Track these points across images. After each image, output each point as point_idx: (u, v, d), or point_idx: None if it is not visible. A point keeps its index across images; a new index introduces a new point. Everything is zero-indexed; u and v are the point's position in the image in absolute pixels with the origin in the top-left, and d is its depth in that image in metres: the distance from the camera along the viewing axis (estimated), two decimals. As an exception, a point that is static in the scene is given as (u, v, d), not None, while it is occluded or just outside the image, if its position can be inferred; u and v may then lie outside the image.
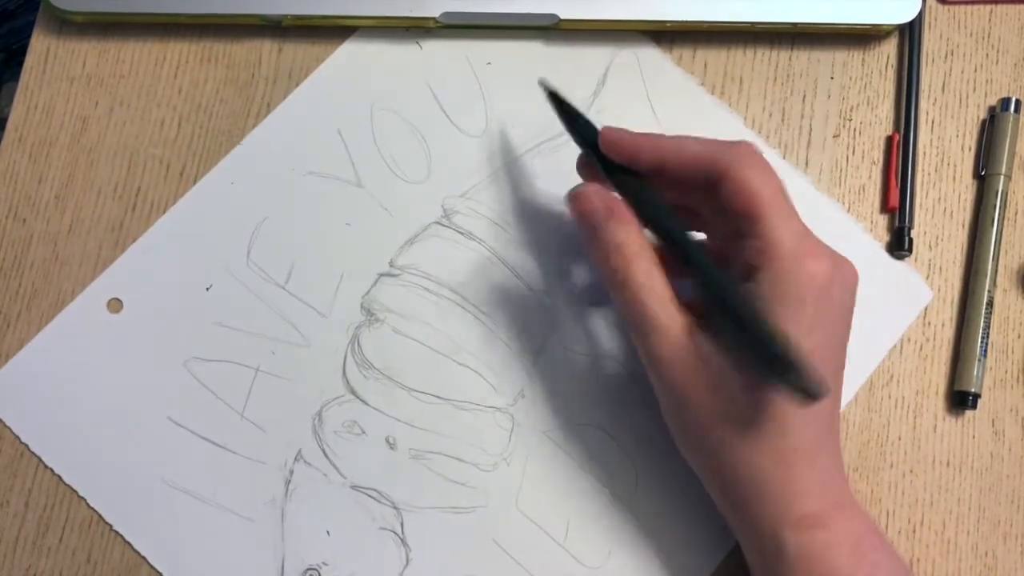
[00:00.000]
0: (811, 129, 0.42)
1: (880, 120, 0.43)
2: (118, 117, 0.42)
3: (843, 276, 0.33)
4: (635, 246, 0.34)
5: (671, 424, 0.35)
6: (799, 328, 0.31)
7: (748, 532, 0.34)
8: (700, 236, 0.37)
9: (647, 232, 0.35)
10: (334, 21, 0.42)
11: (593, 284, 0.41)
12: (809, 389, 0.28)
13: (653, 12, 0.41)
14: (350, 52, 0.43)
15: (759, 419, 0.32)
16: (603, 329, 0.40)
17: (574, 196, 0.36)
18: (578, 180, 0.41)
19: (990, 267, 0.40)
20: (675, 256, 0.34)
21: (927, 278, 0.41)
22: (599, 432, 0.39)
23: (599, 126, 0.36)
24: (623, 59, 0.43)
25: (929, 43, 0.43)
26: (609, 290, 0.35)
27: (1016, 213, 0.42)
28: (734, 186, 0.32)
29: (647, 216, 0.34)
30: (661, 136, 0.35)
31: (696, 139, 0.34)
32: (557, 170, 0.41)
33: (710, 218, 0.36)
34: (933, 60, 0.43)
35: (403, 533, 0.38)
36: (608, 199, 0.35)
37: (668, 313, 0.33)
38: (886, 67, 0.43)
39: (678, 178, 0.34)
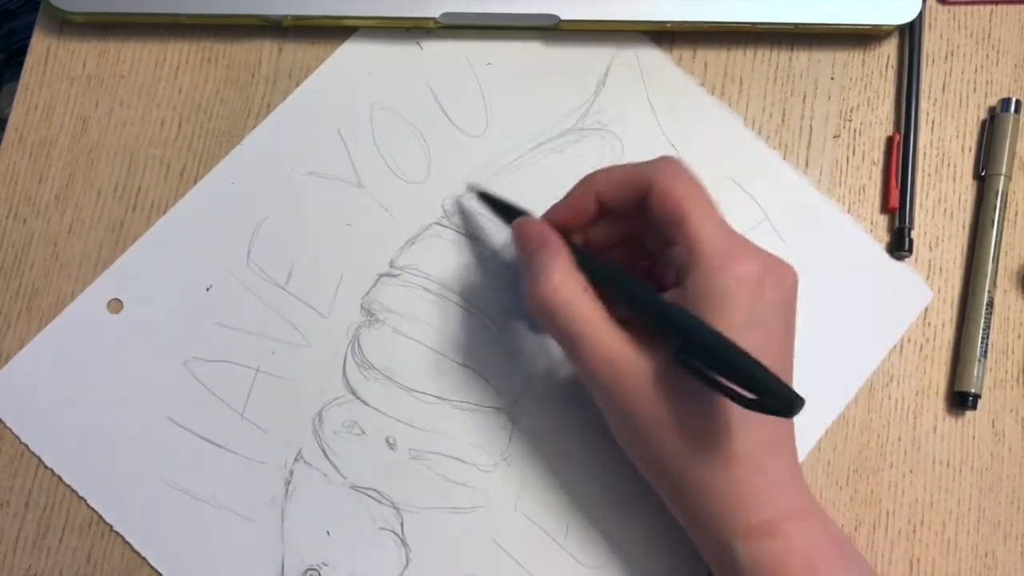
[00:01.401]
0: (811, 130, 0.42)
1: (880, 120, 0.43)
2: (118, 117, 0.42)
3: (778, 276, 0.33)
4: (562, 273, 0.34)
5: (621, 442, 0.35)
6: (732, 328, 0.31)
7: (702, 542, 0.34)
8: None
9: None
10: (334, 21, 0.42)
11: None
12: (782, 405, 0.28)
13: (653, 12, 0.41)
14: (350, 52, 0.43)
15: (701, 428, 0.32)
16: (603, 329, 0.40)
17: (514, 227, 0.37)
18: (574, 180, 0.40)
19: (990, 267, 0.40)
20: (622, 299, 0.34)
21: (927, 279, 0.41)
22: (599, 432, 0.39)
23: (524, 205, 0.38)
24: (623, 59, 0.43)
25: (929, 43, 0.43)
26: (540, 320, 0.35)
27: (1016, 213, 0.42)
28: (659, 193, 0.33)
29: (592, 271, 0.35)
30: (586, 177, 0.36)
31: (620, 165, 0.36)
32: (557, 170, 0.42)
33: (646, 240, 0.36)
34: (933, 60, 0.43)
35: (403, 533, 0.38)
36: (543, 231, 0.36)
37: (600, 333, 0.33)
38: (886, 67, 0.43)
39: (613, 205, 0.35)
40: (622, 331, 0.33)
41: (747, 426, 0.32)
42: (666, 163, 0.34)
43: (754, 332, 0.31)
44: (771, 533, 0.32)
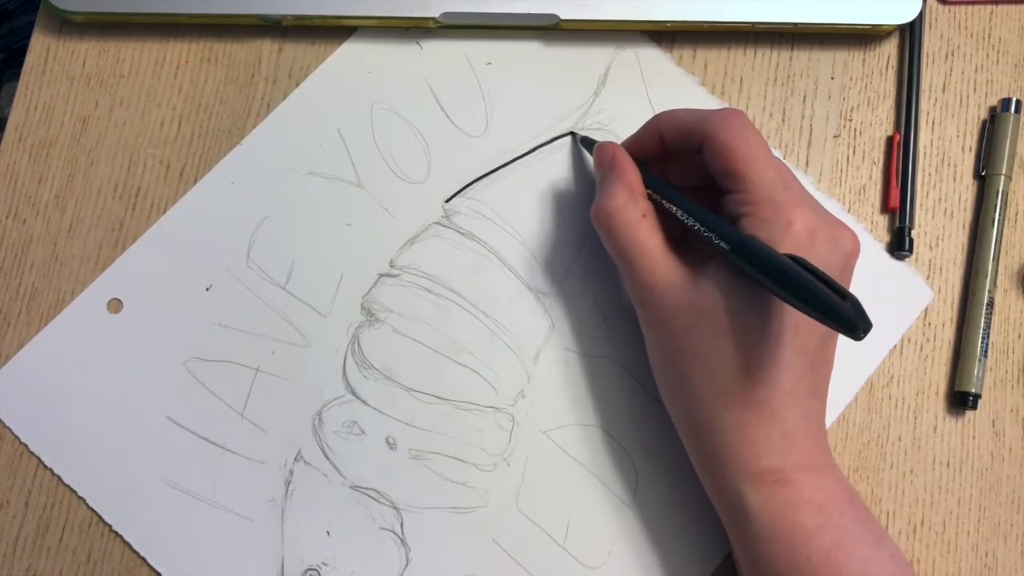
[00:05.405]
0: (811, 129, 0.42)
1: (880, 120, 0.43)
2: (118, 117, 0.42)
3: (833, 235, 0.33)
4: (624, 197, 0.35)
5: (655, 369, 0.36)
6: None
7: (714, 486, 0.35)
8: None
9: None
10: (334, 21, 0.42)
11: (595, 279, 0.41)
12: (849, 325, 0.28)
13: (653, 12, 0.41)
14: (350, 52, 0.43)
15: (727, 367, 0.32)
16: (603, 329, 0.40)
17: (595, 149, 0.38)
18: (574, 180, 0.41)
19: (990, 267, 0.40)
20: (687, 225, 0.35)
21: (927, 278, 0.41)
22: (599, 432, 0.39)
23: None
24: (623, 59, 0.43)
25: (929, 43, 0.43)
26: (602, 236, 0.36)
27: (1016, 213, 0.42)
28: (712, 146, 0.34)
29: (662, 196, 0.36)
30: (653, 117, 0.37)
31: (687, 109, 0.37)
32: (557, 170, 0.42)
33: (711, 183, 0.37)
34: (933, 60, 0.43)
35: (403, 533, 0.38)
36: (616, 155, 0.37)
37: (649, 257, 0.34)
38: (886, 67, 0.43)
39: (676, 148, 0.36)
40: (675, 260, 0.34)
41: (771, 374, 0.32)
42: (723, 116, 0.35)
43: None
44: (780, 481, 0.32)
